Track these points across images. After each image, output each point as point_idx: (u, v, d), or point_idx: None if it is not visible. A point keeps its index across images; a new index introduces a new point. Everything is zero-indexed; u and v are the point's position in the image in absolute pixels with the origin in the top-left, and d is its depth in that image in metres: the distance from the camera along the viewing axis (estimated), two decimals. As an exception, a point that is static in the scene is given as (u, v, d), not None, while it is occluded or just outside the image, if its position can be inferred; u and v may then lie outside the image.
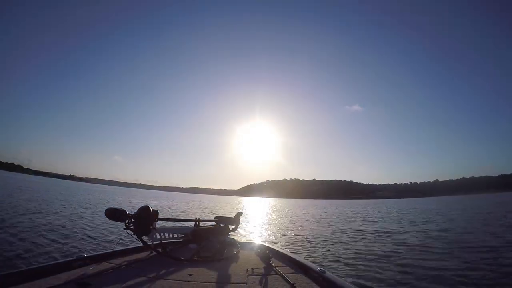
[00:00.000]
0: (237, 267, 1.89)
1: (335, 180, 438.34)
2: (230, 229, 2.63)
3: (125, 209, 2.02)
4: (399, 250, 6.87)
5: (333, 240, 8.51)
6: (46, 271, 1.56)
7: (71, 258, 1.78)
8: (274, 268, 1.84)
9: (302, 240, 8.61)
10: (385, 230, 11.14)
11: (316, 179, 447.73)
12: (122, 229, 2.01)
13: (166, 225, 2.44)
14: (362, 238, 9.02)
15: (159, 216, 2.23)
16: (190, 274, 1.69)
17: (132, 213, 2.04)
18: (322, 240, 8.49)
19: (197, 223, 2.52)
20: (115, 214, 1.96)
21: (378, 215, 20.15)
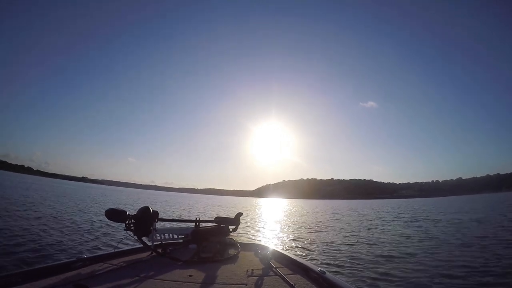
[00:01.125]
0: (237, 268, 1.88)
1: (354, 179, 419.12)
2: (230, 230, 2.62)
3: (125, 209, 2.04)
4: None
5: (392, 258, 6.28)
6: (46, 272, 1.57)
7: (70, 259, 1.79)
8: (274, 269, 1.83)
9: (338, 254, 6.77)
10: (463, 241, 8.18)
11: (334, 179, 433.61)
12: (123, 229, 2.03)
13: (166, 226, 2.47)
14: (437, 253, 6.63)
15: (159, 217, 2.25)
16: (190, 275, 1.69)
17: (132, 214, 2.06)
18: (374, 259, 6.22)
19: (197, 223, 2.52)
20: (115, 214, 1.98)
21: (428, 219, 16.12)
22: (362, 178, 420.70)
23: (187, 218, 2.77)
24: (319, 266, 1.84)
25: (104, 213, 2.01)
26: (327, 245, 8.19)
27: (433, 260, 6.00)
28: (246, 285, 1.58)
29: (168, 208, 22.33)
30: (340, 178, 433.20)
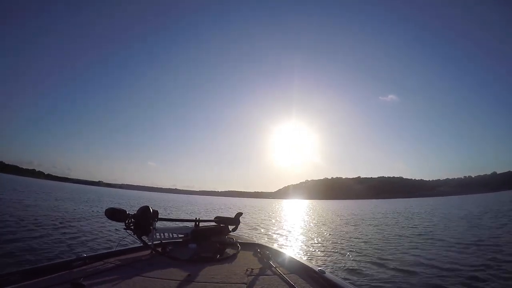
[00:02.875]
0: (236, 267, 1.88)
1: (382, 177, 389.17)
2: (230, 229, 2.62)
3: (125, 209, 2.07)
4: None
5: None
6: (45, 271, 1.58)
7: (70, 258, 1.81)
8: (273, 268, 1.82)
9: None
10: None
11: (361, 177, 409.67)
12: (122, 229, 2.06)
13: (166, 225, 2.50)
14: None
15: (159, 216, 2.26)
16: (189, 274, 1.69)
17: (132, 213, 2.09)
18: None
19: (197, 223, 2.53)
20: (115, 214, 2.01)
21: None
22: (391, 176, 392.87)
23: (187, 218, 2.79)
24: (318, 266, 1.82)
25: (104, 213, 2.06)
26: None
27: None
28: (246, 284, 1.57)
29: (169, 211, 21.86)
30: (367, 176, 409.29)
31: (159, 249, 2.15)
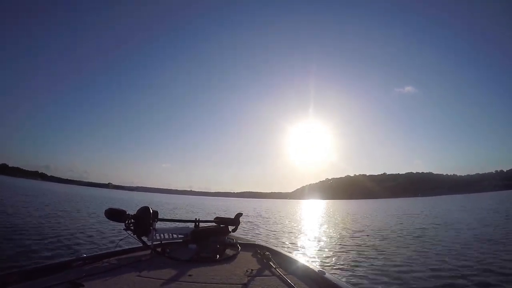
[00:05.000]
0: (236, 268, 1.87)
1: (410, 172, 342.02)
2: (230, 230, 2.61)
3: (125, 209, 2.07)
4: None
5: None
6: (45, 271, 1.59)
7: (69, 258, 1.82)
8: (273, 269, 1.82)
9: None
10: None
11: (387, 173, 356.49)
12: (122, 229, 2.05)
13: (166, 226, 2.51)
14: None
15: (159, 217, 2.27)
16: (189, 275, 1.68)
17: (132, 214, 2.09)
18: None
19: (196, 223, 2.53)
20: (114, 214, 2.02)
21: None
22: (420, 171, 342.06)
23: (187, 218, 2.80)
24: (318, 266, 1.84)
25: (104, 213, 2.06)
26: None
27: None
28: (246, 285, 1.56)
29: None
30: (393, 173, 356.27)
31: (159, 250, 2.15)
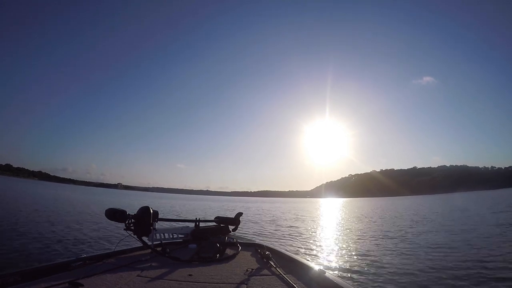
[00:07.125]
0: (237, 268, 1.88)
1: (444, 166, 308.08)
2: (230, 230, 2.62)
3: (125, 209, 2.08)
4: None
5: None
6: (45, 272, 1.59)
7: (70, 259, 1.82)
8: (274, 268, 1.82)
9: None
10: None
11: (417, 167, 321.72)
12: (122, 229, 2.06)
13: (166, 226, 2.51)
14: None
15: (159, 217, 2.27)
16: (190, 275, 1.68)
17: (132, 214, 2.10)
18: None
19: (197, 223, 2.53)
20: (115, 214, 2.02)
21: None
22: (454, 164, 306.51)
23: (187, 218, 2.79)
24: (319, 266, 1.80)
25: (104, 213, 2.07)
26: None
27: None
28: (246, 284, 1.57)
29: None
30: (424, 166, 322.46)
31: (160, 250, 2.15)
